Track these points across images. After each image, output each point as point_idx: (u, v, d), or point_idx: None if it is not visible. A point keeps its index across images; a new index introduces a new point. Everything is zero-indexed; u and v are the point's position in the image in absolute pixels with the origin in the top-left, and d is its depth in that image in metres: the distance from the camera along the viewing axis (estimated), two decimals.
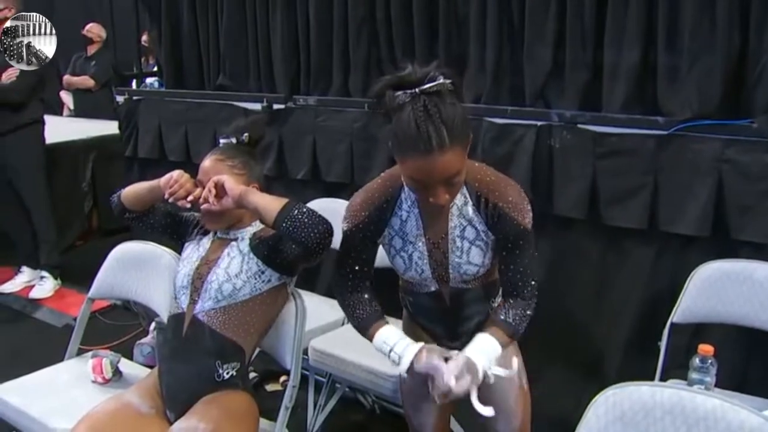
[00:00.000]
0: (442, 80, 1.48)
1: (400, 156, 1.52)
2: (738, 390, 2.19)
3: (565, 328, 2.67)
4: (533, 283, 1.73)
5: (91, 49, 6.13)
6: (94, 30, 6.08)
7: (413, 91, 1.47)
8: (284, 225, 1.77)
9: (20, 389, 2.26)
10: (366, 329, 1.75)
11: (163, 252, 2.38)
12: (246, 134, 2.02)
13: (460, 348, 1.67)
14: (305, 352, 2.59)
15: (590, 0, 2.49)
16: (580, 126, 2.56)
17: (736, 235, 2.31)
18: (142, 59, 4.91)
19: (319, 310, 2.88)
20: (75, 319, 2.56)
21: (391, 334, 1.70)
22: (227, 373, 1.91)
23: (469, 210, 1.68)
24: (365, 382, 2.48)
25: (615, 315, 2.62)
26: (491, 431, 1.91)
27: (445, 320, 1.85)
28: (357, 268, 1.78)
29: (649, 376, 2.25)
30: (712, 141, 2.31)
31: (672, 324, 2.28)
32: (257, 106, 3.44)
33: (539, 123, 2.63)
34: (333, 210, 3.07)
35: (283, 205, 1.78)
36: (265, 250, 1.95)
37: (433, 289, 1.80)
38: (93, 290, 2.54)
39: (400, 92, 1.48)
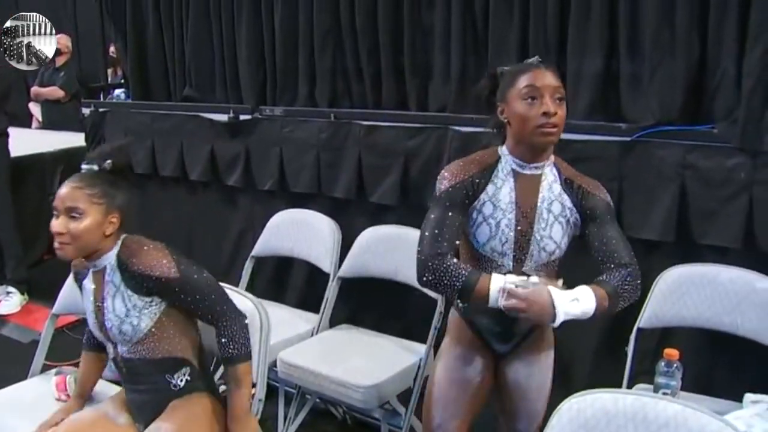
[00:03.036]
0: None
1: (516, 77, 1.80)
2: (704, 392, 2.22)
3: None
4: (631, 252, 1.83)
5: (60, 60, 6.09)
6: (62, 41, 6.00)
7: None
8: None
9: None
10: (474, 284, 1.72)
11: None
12: (109, 161, 1.88)
13: (510, 351, 1.96)
14: (274, 364, 2.57)
15: (553, 9, 2.50)
16: None
17: (700, 239, 2.33)
18: (110, 70, 4.86)
19: (287, 321, 2.87)
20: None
21: (499, 277, 1.73)
22: (181, 381, 1.93)
23: (558, 187, 1.87)
24: (335, 393, 2.47)
25: (583, 321, 2.62)
26: (511, 429, 2.00)
27: (500, 318, 1.81)
28: (448, 236, 1.78)
29: (618, 382, 2.26)
30: (675, 147, 2.33)
31: (638, 329, 2.30)
32: (224, 117, 3.43)
33: None
34: (301, 220, 3.11)
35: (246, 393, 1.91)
36: (151, 290, 1.86)
37: (503, 271, 1.81)
38: (57, 306, 2.51)
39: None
